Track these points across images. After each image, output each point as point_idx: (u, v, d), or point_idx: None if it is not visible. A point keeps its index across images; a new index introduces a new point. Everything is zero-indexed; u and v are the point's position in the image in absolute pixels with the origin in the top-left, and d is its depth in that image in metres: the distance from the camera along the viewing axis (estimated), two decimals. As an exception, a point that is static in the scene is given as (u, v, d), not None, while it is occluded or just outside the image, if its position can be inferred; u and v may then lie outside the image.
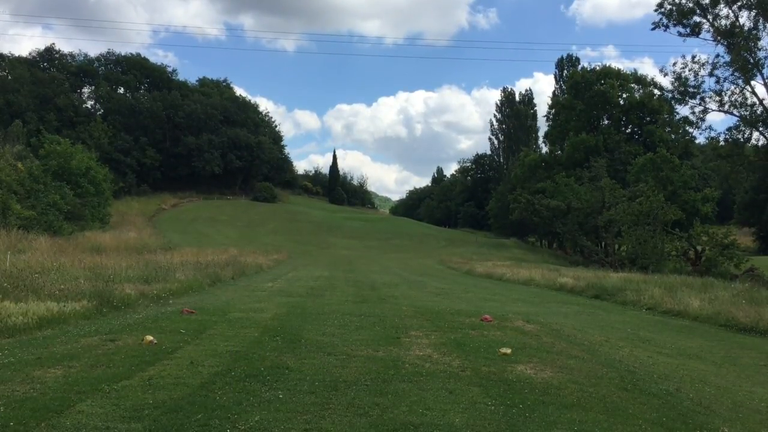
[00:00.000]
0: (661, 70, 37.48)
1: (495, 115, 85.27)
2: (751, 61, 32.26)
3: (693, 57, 34.47)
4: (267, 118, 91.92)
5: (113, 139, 66.53)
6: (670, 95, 37.17)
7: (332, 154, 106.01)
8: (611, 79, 54.89)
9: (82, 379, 5.52)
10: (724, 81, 33.27)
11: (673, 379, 6.68)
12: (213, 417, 4.49)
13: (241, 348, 7.16)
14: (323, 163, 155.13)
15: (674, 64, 36.02)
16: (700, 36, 34.26)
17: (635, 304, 15.73)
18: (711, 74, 33.57)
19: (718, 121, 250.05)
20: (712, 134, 40.70)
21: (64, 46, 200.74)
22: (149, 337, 7.37)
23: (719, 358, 8.69)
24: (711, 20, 33.44)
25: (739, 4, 32.38)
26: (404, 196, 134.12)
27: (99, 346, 7.05)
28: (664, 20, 34.71)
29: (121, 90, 76.60)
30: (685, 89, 34.51)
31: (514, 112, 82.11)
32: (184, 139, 74.04)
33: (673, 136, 49.04)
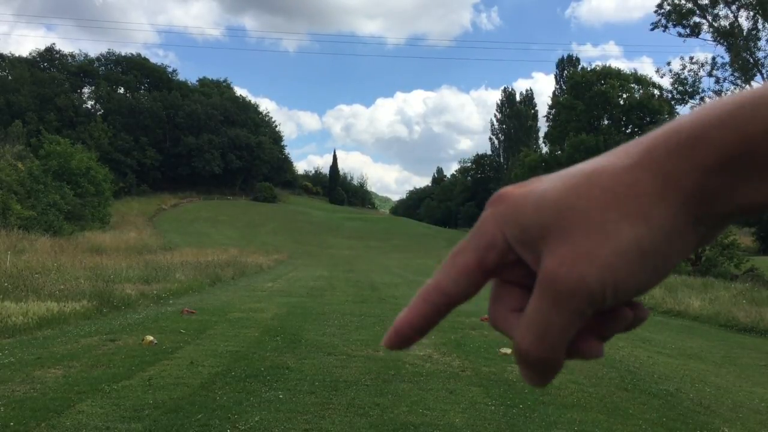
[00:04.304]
0: (657, 71, 37.55)
1: (495, 115, 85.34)
2: (751, 61, 32.28)
3: (691, 58, 34.51)
4: (267, 119, 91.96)
5: (113, 139, 66.46)
6: (670, 95, 37.22)
7: (332, 154, 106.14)
8: (611, 80, 54.92)
9: (82, 379, 5.52)
10: (724, 81, 33.30)
11: (673, 379, 6.69)
12: (213, 417, 4.49)
13: (241, 348, 7.17)
14: (323, 164, 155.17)
15: (669, 63, 36.01)
16: (700, 36, 34.31)
17: (635, 304, 15.71)
18: (710, 75, 33.61)
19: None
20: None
21: (66, 47, 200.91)
22: (149, 337, 7.37)
23: (719, 358, 8.69)
24: (710, 21, 33.48)
25: (738, 4, 32.40)
26: (404, 196, 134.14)
27: (99, 346, 7.06)
28: (664, 21, 34.75)
29: (122, 90, 76.53)
30: (684, 89, 34.55)
31: (515, 113, 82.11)
32: (185, 139, 74.01)
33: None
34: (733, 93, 0.32)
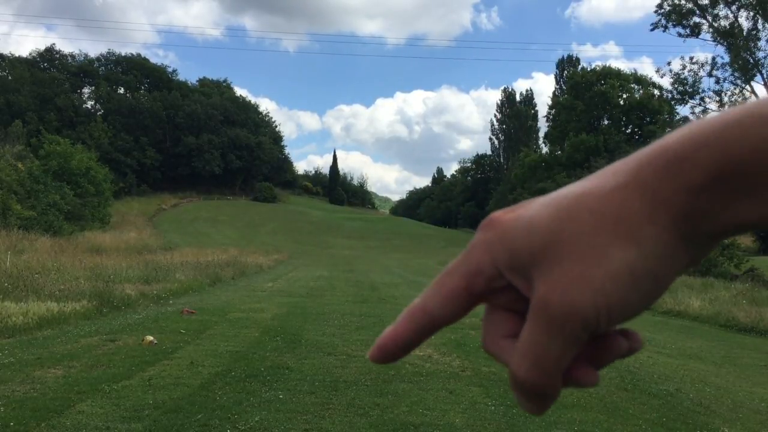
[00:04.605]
0: (657, 71, 37.54)
1: (495, 115, 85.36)
2: (751, 61, 32.29)
3: (691, 58, 34.52)
4: (267, 119, 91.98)
5: (113, 139, 66.52)
6: (669, 95, 37.24)
7: (332, 154, 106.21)
8: (611, 80, 54.91)
9: (82, 379, 5.52)
10: (724, 81, 33.34)
11: (673, 380, 6.68)
12: (213, 417, 4.50)
13: (241, 348, 7.17)
14: (323, 164, 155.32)
15: (669, 63, 35.97)
16: (700, 36, 34.33)
17: (635, 304, 15.69)
18: (710, 75, 33.64)
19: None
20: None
21: (66, 47, 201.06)
22: (149, 338, 7.37)
23: (719, 358, 8.68)
24: (710, 21, 33.49)
25: (738, 4, 32.40)
26: (404, 196, 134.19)
27: (99, 346, 7.06)
28: (663, 21, 34.75)
29: (122, 90, 76.60)
30: (684, 89, 34.56)
31: (515, 113, 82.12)
32: (185, 139, 74.06)
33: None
34: (721, 111, 0.33)
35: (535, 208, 0.35)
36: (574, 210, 0.33)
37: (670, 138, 0.33)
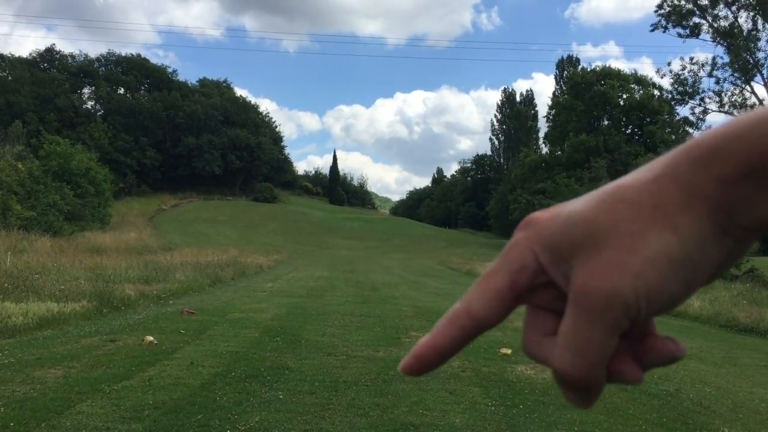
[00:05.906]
0: (657, 71, 37.49)
1: (495, 116, 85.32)
2: (751, 61, 32.29)
3: (691, 58, 34.52)
4: (267, 119, 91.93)
5: (113, 139, 66.50)
6: (669, 96, 37.24)
7: (332, 154, 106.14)
8: (611, 80, 54.93)
9: (82, 379, 5.52)
10: (724, 82, 33.34)
11: (673, 380, 6.68)
12: (213, 417, 4.50)
13: (241, 348, 7.17)
14: (323, 164, 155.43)
15: (669, 64, 35.98)
16: (700, 37, 34.33)
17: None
18: (710, 75, 33.64)
19: (719, 122, 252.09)
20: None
21: (66, 47, 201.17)
22: (149, 338, 7.37)
23: (719, 358, 8.68)
24: (710, 21, 33.49)
25: (738, 5, 32.40)
26: (404, 197, 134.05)
27: (99, 347, 7.06)
28: (663, 21, 34.74)
29: (122, 90, 76.56)
30: (684, 90, 34.57)
31: (515, 113, 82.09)
32: (185, 139, 74.02)
33: (673, 137, 49.05)
34: (755, 108, 0.34)
35: (572, 204, 0.36)
36: (611, 202, 0.34)
37: (705, 133, 0.34)
